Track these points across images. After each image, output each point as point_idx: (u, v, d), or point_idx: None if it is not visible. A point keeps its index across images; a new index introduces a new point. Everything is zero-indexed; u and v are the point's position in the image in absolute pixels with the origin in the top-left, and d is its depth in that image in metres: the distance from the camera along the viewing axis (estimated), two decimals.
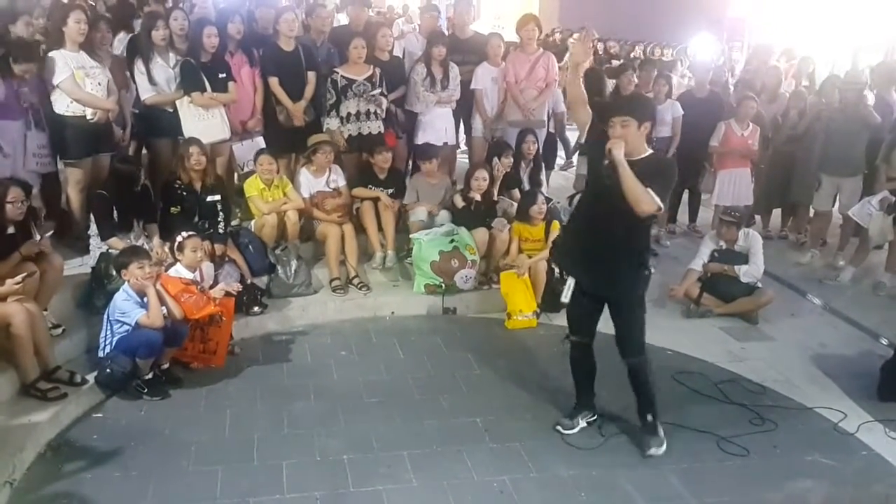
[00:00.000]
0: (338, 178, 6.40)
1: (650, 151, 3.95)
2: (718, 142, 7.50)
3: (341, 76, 6.48)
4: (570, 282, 4.31)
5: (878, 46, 11.74)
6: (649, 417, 4.19)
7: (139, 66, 5.93)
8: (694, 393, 4.86)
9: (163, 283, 4.66)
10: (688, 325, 5.94)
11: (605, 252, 3.97)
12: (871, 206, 6.62)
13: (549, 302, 6.00)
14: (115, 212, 5.26)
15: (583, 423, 4.38)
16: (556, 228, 6.19)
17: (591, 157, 4.11)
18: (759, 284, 6.14)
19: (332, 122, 6.54)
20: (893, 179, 6.59)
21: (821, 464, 4.17)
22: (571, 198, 7.36)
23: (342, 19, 9.05)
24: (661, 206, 3.78)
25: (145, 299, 4.52)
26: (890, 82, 7.76)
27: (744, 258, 6.13)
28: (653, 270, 4.13)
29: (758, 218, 8.16)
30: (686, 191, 7.98)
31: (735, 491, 3.87)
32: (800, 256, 7.46)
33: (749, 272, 6.08)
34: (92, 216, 5.34)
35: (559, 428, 4.34)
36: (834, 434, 4.47)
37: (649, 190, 3.70)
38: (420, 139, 7.02)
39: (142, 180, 5.48)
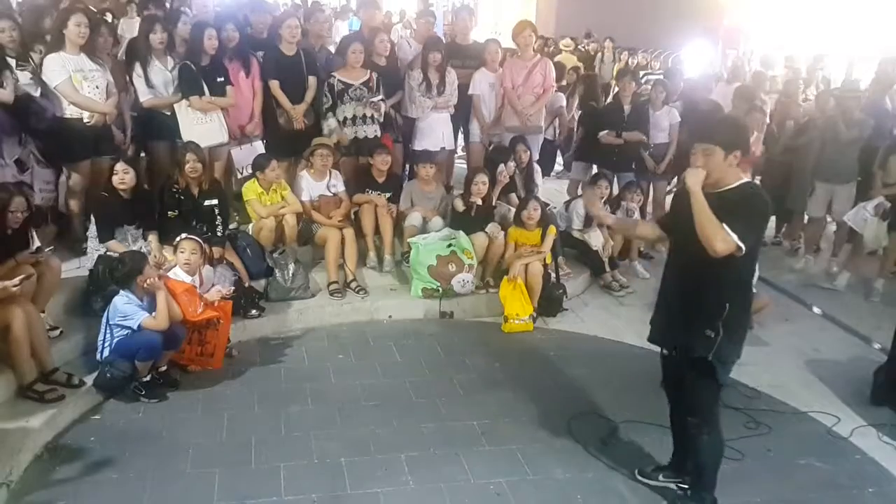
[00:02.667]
0: (337, 184, 6.42)
1: (741, 181, 3.36)
2: None
3: (338, 80, 6.50)
4: None
5: (872, 56, 11.80)
6: (687, 487, 3.83)
7: (137, 69, 5.94)
8: None
9: (165, 284, 4.67)
10: None
11: (682, 306, 3.53)
12: (866, 212, 6.69)
13: (545, 306, 6.04)
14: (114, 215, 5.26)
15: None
16: (552, 233, 6.23)
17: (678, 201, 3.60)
18: (755, 290, 6.14)
19: (330, 122, 6.53)
20: (889, 186, 6.66)
21: (814, 467, 4.20)
22: (568, 203, 7.41)
23: (341, 27, 9.06)
24: (740, 244, 3.17)
25: (145, 300, 4.53)
26: (885, 90, 7.82)
27: None
28: (721, 333, 3.38)
29: None
30: None
31: (729, 494, 3.86)
32: (794, 262, 7.50)
33: None
34: (92, 218, 5.35)
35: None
36: (827, 438, 4.50)
37: (724, 225, 3.17)
38: (418, 145, 7.03)
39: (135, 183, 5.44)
